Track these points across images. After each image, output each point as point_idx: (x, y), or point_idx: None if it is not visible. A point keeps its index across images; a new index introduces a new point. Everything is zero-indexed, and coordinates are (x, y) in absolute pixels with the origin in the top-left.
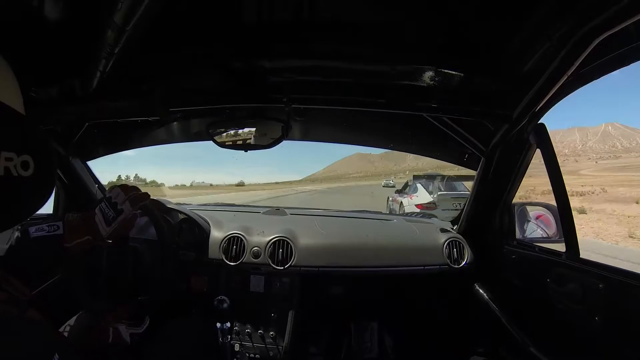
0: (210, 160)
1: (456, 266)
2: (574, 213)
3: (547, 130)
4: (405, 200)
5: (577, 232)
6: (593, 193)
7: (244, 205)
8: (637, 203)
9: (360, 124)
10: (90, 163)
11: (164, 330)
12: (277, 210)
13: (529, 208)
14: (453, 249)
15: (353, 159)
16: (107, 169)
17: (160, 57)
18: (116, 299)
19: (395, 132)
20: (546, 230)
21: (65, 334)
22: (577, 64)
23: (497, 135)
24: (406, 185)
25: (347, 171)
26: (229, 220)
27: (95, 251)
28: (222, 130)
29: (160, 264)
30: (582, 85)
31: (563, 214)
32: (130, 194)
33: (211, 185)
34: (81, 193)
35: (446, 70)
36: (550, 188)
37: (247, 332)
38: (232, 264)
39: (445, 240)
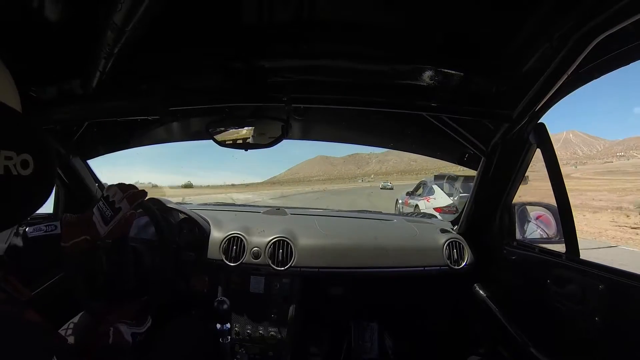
0: (156, 155)
1: (456, 267)
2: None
3: (547, 129)
4: (422, 203)
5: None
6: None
7: (244, 205)
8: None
9: (360, 123)
10: (91, 162)
11: (164, 330)
12: (278, 210)
13: (529, 208)
14: (453, 249)
15: (315, 162)
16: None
17: (160, 57)
18: (116, 299)
19: (395, 132)
20: (546, 231)
21: (65, 335)
22: (576, 63)
23: (497, 135)
24: (418, 186)
25: (309, 173)
26: (229, 220)
27: (94, 251)
28: (222, 129)
29: (161, 264)
30: (581, 85)
31: (563, 214)
32: (128, 192)
33: (153, 186)
34: (81, 192)
35: (446, 70)
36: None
37: (247, 332)
38: (232, 264)
39: (446, 241)
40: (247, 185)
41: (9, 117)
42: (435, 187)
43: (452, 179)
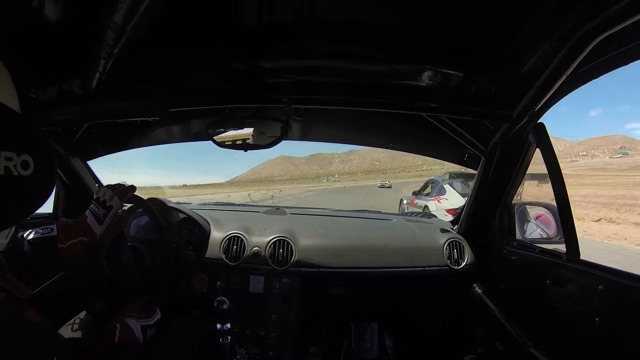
0: (125, 157)
1: (456, 267)
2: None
3: (546, 129)
4: (432, 204)
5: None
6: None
7: (244, 205)
8: None
9: (360, 123)
10: (91, 162)
11: (163, 330)
12: (277, 210)
13: (529, 208)
14: (453, 249)
15: (277, 162)
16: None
17: (160, 57)
18: (119, 298)
19: (395, 132)
20: (546, 231)
21: (67, 334)
22: (576, 63)
23: (497, 135)
24: (426, 185)
25: (271, 173)
26: (229, 219)
27: (94, 253)
28: (222, 130)
29: (161, 263)
30: (581, 85)
31: (563, 214)
32: (117, 189)
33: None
34: (81, 193)
35: (446, 70)
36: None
37: (247, 332)
38: (232, 264)
39: (446, 241)
40: (209, 185)
41: (9, 118)
42: (447, 186)
43: (466, 177)
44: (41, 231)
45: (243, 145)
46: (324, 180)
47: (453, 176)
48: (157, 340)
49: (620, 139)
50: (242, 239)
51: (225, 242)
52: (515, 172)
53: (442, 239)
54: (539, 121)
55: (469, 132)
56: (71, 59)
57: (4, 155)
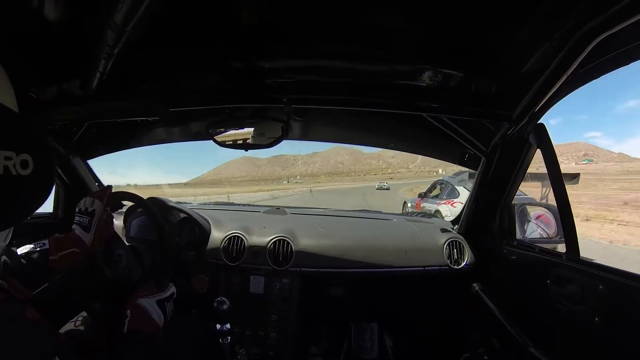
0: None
1: (456, 267)
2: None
3: (547, 130)
4: (444, 208)
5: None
6: None
7: (244, 205)
8: None
9: (360, 123)
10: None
11: (163, 330)
12: (278, 210)
13: (529, 208)
14: (453, 249)
15: (239, 162)
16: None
17: (160, 57)
18: (116, 299)
19: (395, 132)
20: (546, 231)
21: (68, 334)
22: (576, 63)
23: (497, 135)
24: (433, 187)
25: (232, 174)
26: (229, 219)
27: (90, 259)
28: (222, 130)
29: (161, 263)
30: (581, 85)
31: (563, 214)
32: (96, 194)
33: None
34: (81, 192)
35: (446, 70)
36: None
37: (247, 332)
38: (232, 264)
39: (446, 241)
40: (170, 185)
41: (9, 117)
42: (460, 188)
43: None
44: (34, 246)
45: (243, 145)
46: (284, 182)
47: (463, 179)
48: (158, 340)
49: (583, 147)
50: (242, 239)
51: (225, 242)
52: (516, 172)
53: (442, 238)
54: (539, 121)
55: (469, 132)
56: (71, 59)
57: (3, 155)
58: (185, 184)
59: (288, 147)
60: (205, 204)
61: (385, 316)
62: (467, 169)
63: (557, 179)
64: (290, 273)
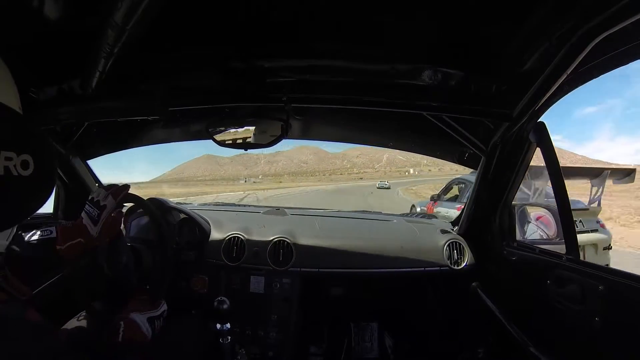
0: None
1: (456, 267)
2: None
3: (547, 128)
4: None
5: None
6: None
7: (244, 205)
8: None
9: (360, 122)
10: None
11: (164, 330)
12: (278, 210)
13: (529, 209)
14: (453, 250)
15: (202, 160)
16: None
17: (160, 57)
18: (116, 299)
19: (395, 131)
20: (546, 232)
21: (68, 334)
22: (576, 63)
23: (497, 134)
24: (448, 187)
25: (194, 173)
26: (229, 220)
27: (92, 252)
28: (222, 129)
29: (161, 263)
30: (581, 84)
31: (563, 215)
32: (111, 189)
33: None
34: (81, 192)
35: (446, 70)
36: None
37: (247, 332)
38: (232, 264)
39: (446, 242)
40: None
41: (9, 117)
42: None
43: None
44: (40, 233)
45: (243, 145)
46: (242, 182)
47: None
48: (158, 340)
49: None
50: (242, 240)
51: (225, 243)
52: (516, 172)
53: (442, 239)
54: (539, 120)
55: (470, 131)
56: (71, 58)
57: (4, 155)
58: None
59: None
60: (205, 204)
61: (385, 316)
62: None
63: (558, 179)
64: (290, 273)
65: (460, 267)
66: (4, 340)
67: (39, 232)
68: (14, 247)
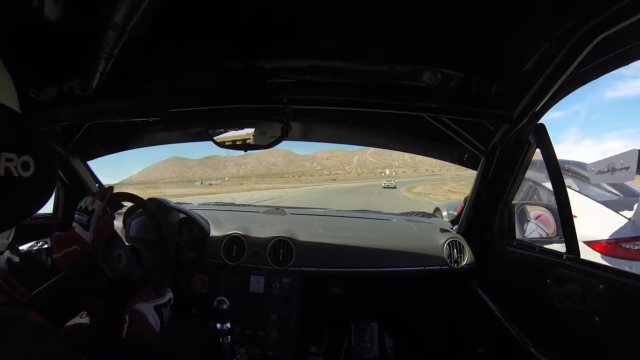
0: None
1: (456, 266)
2: None
3: (547, 130)
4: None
5: None
6: None
7: (244, 205)
8: None
9: (360, 124)
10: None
11: (164, 330)
12: (277, 210)
13: (528, 208)
14: (453, 249)
15: (169, 163)
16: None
17: (160, 57)
18: (116, 299)
19: (395, 132)
20: (546, 231)
21: (68, 334)
22: (576, 63)
23: (497, 136)
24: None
25: (162, 175)
26: (229, 220)
27: (92, 257)
28: (222, 130)
29: (161, 264)
30: (581, 85)
31: (563, 214)
32: (97, 194)
33: None
34: (81, 193)
35: (446, 71)
36: None
37: (247, 332)
38: (232, 264)
39: (445, 241)
40: None
41: (10, 118)
42: (575, 192)
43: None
44: (37, 245)
45: (243, 146)
46: (197, 184)
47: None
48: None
49: None
50: (242, 239)
51: (225, 242)
52: (515, 173)
53: (442, 238)
54: (539, 122)
55: (469, 133)
56: (71, 59)
57: (4, 156)
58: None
59: (219, 148)
60: (205, 204)
61: (385, 316)
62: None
63: (558, 179)
64: (290, 273)
65: (460, 266)
66: (5, 342)
67: (35, 244)
68: (12, 257)
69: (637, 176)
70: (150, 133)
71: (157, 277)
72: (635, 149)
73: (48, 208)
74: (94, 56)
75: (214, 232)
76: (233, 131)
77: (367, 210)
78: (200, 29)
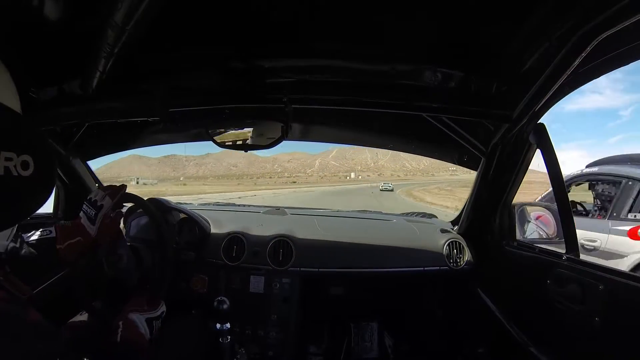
0: None
1: (456, 267)
2: None
3: (547, 130)
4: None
5: None
6: None
7: (244, 205)
8: None
9: (360, 124)
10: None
11: (164, 330)
12: (277, 210)
13: (529, 208)
14: (453, 249)
15: (127, 161)
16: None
17: (160, 57)
18: (116, 299)
19: (395, 132)
20: (546, 231)
21: (68, 334)
22: (576, 63)
23: (497, 135)
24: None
25: (118, 174)
26: (229, 220)
27: (92, 251)
28: (222, 130)
29: (161, 263)
30: (581, 85)
31: (563, 214)
32: (108, 190)
33: None
34: (81, 193)
35: (446, 70)
36: None
37: (247, 332)
38: (232, 264)
39: (446, 241)
40: None
41: (9, 118)
42: None
43: None
44: (40, 233)
45: (243, 146)
46: (132, 183)
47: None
48: (158, 340)
49: None
50: (242, 239)
51: (225, 242)
52: (516, 173)
53: (442, 239)
54: (539, 121)
55: (469, 133)
56: (71, 58)
57: (4, 156)
58: None
59: (180, 148)
60: (205, 204)
61: (385, 316)
62: None
63: (558, 179)
64: (290, 273)
65: (460, 267)
66: (4, 340)
67: (38, 232)
68: (14, 246)
69: None
70: (150, 133)
71: (157, 277)
72: None
73: (48, 208)
74: (94, 56)
75: (214, 232)
76: (233, 131)
77: (367, 211)
78: (200, 28)
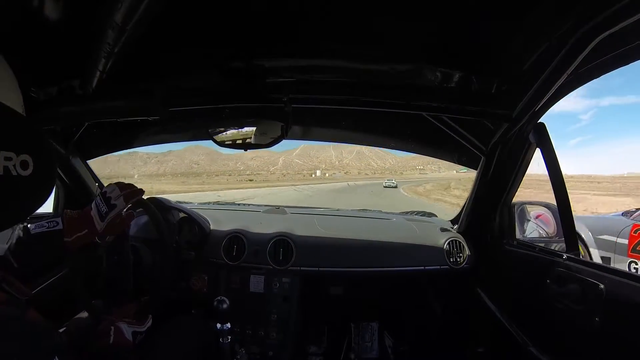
0: None
1: (456, 266)
2: None
3: (547, 129)
4: None
5: None
6: None
7: (245, 204)
8: None
9: (360, 123)
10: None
11: (164, 330)
12: (278, 209)
13: (528, 207)
14: (453, 248)
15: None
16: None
17: (160, 57)
18: (115, 299)
19: (395, 131)
20: (546, 230)
21: (67, 334)
22: (576, 63)
23: (497, 135)
24: None
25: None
26: (229, 219)
27: (94, 249)
28: (222, 130)
29: (161, 263)
30: (581, 85)
31: (563, 213)
32: (125, 191)
33: None
34: (81, 192)
35: (446, 70)
36: None
37: (247, 332)
38: (232, 263)
39: (446, 240)
40: None
41: (9, 117)
42: None
43: None
44: (47, 224)
45: (243, 145)
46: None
47: None
48: (157, 340)
49: None
50: (242, 239)
51: (225, 242)
52: (515, 172)
53: (442, 238)
54: (539, 121)
55: (469, 132)
56: (71, 58)
57: (3, 155)
58: None
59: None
60: (205, 203)
61: (385, 315)
62: None
63: (558, 179)
64: (290, 272)
65: (459, 266)
66: (3, 340)
67: (45, 224)
68: (19, 240)
69: None
70: (150, 132)
71: (157, 277)
72: None
73: (48, 208)
74: (94, 55)
75: (214, 232)
76: (233, 130)
77: (367, 210)
78: (200, 28)
